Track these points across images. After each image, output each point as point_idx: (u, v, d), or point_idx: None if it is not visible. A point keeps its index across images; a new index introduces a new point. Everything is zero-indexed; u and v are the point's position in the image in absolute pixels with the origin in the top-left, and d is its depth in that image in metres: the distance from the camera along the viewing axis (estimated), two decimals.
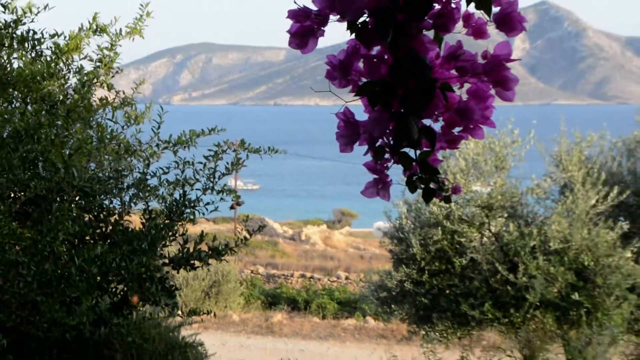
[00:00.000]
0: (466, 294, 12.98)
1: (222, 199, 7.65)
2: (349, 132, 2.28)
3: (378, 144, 2.24)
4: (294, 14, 2.25)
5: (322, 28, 2.25)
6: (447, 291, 13.14)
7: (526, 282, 12.43)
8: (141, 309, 8.03)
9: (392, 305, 14.05)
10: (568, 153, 13.78)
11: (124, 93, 8.09)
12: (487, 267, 12.84)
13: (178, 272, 7.95)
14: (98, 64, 7.82)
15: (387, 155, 2.25)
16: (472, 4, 2.16)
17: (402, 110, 2.18)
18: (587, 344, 12.11)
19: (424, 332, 13.77)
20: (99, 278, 7.05)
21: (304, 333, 27.51)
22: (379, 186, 2.34)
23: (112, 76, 7.98)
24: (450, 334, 13.56)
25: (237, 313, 28.58)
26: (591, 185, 13.10)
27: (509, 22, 2.23)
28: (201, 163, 7.61)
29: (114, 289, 7.48)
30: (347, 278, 34.44)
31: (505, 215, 13.09)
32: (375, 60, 2.24)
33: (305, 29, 2.25)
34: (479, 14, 2.24)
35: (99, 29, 7.75)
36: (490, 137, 13.50)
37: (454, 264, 12.96)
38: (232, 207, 8.06)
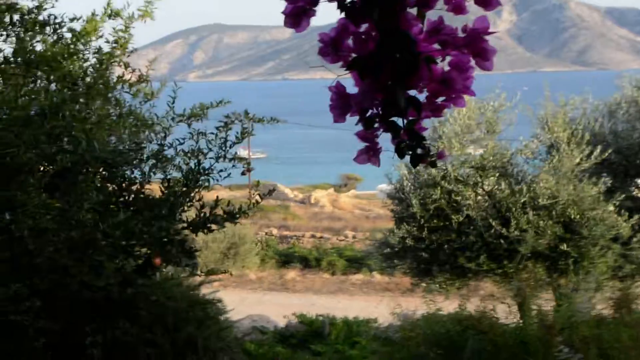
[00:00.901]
0: (463, 248, 12.99)
1: (234, 166, 7.72)
2: (341, 104, 2.26)
3: (368, 114, 2.23)
4: None
5: (314, 8, 2.22)
6: (446, 246, 13.14)
7: (518, 235, 12.43)
8: (164, 270, 8.08)
9: (395, 260, 14.07)
10: (553, 116, 13.76)
11: (139, 71, 8.13)
12: (482, 223, 12.83)
13: (197, 235, 8.01)
14: (114, 44, 7.85)
15: (376, 125, 2.23)
16: None
17: (389, 83, 2.17)
18: (574, 290, 12.10)
19: (425, 284, 13.79)
20: (123, 242, 7.09)
21: (315, 288, 27.62)
22: (370, 153, 2.32)
23: (128, 55, 8.05)
24: (449, 285, 13.59)
25: (253, 272, 28.67)
26: (575, 145, 13.07)
27: None
28: (213, 134, 7.63)
29: (137, 252, 7.52)
30: (354, 237, 34.48)
31: (497, 174, 13.08)
32: (363, 36, 2.22)
33: (298, 9, 2.22)
34: None
35: (113, 13, 7.87)
36: (481, 102, 13.48)
37: (451, 220, 12.95)
38: (243, 173, 8.06)
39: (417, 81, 2.20)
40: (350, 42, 2.24)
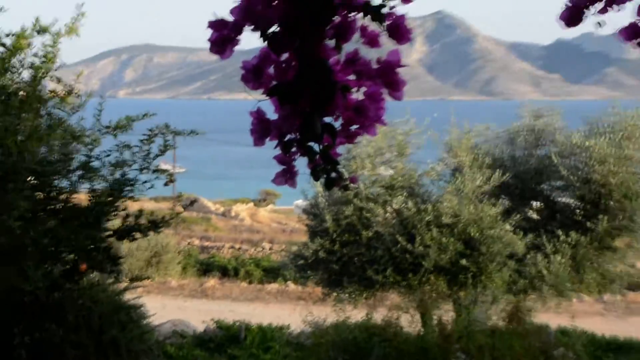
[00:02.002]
0: (371, 261, 13.05)
1: (157, 177, 7.72)
2: (261, 128, 2.27)
3: (286, 138, 2.24)
4: (214, 25, 2.24)
5: (238, 37, 2.23)
6: (355, 259, 13.19)
7: (422, 250, 12.52)
8: (90, 275, 8.01)
9: (309, 271, 14.09)
10: (458, 141, 13.92)
11: (69, 85, 8.06)
12: (389, 238, 12.91)
13: (122, 243, 7.97)
14: (43, 59, 7.79)
15: (294, 149, 2.24)
16: (368, 17, 2.19)
17: (307, 110, 2.18)
18: (472, 302, 12.23)
19: (335, 294, 13.82)
20: (51, 249, 7.04)
21: (233, 296, 27.55)
22: (287, 175, 2.33)
23: (56, 70, 7.93)
24: (357, 295, 13.62)
25: (175, 279, 28.53)
26: (477, 169, 13.22)
27: (399, 33, 2.25)
28: (137, 146, 7.63)
29: (65, 258, 7.45)
30: (270, 249, 34.51)
31: (405, 194, 13.18)
32: (284, 65, 2.23)
33: (223, 37, 2.24)
34: (374, 25, 2.25)
35: (41, 29, 7.78)
36: (392, 127, 13.60)
37: (361, 235, 13.01)
38: (166, 184, 8.07)
39: (333, 109, 2.22)
40: (271, 70, 2.25)
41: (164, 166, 8.16)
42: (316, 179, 2.25)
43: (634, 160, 13.61)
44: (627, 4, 2.43)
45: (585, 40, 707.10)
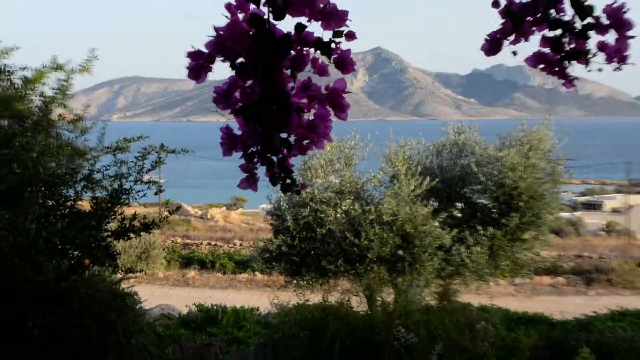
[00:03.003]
0: (325, 254, 13.05)
1: (149, 187, 7.82)
2: (229, 142, 2.29)
3: (250, 151, 2.26)
4: (191, 55, 2.26)
5: (211, 65, 2.27)
6: (312, 252, 13.18)
7: (367, 244, 12.54)
8: (92, 268, 8.01)
9: (273, 263, 14.03)
10: (395, 154, 13.99)
11: (75, 113, 8.23)
12: (340, 235, 12.92)
13: (118, 242, 7.99)
14: (57, 90, 7.96)
15: (256, 159, 2.27)
16: (319, 51, 2.21)
17: (267, 127, 2.21)
18: (409, 286, 12.27)
19: (296, 282, 13.80)
20: (60, 247, 7.08)
21: (210, 284, 27.50)
22: (250, 181, 2.35)
23: (69, 99, 8.13)
24: (314, 282, 13.63)
25: (161, 271, 28.42)
26: (411, 176, 13.29)
27: (344, 64, 2.29)
28: (132, 162, 7.74)
29: (71, 254, 7.48)
30: (241, 245, 34.36)
31: (352, 197, 13.21)
32: (248, 90, 2.25)
33: (198, 66, 2.26)
34: (323, 58, 2.27)
35: (57, 67, 7.97)
36: (340, 142, 13.65)
37: (316, 232, 13.01)
38: (156, 193, 8.21)
39: (289, 127, 2.24)
40: (238, 94, 2.27)
41: (150, 177, 8.24)
42: (274, 184, 2.25)
43: (538, 167, 13.78)
44: (531, 37, 2.46)
45: (496, 71, 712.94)
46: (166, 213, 8.05)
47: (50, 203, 7.56)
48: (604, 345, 7.50)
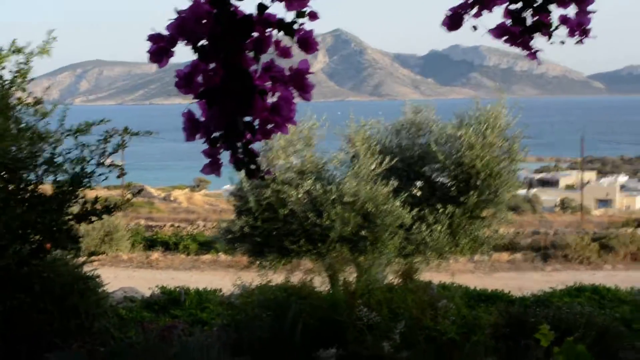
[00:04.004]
0: (287, 234, 13.03)
1: (110, 171, 7.80)
2: (191, 126, 2.26)
3: (213, 135, 2.23)
4: (152, 38, 2.23)
5: (172, 49, 2.23)
6: (274, 232, 13.14)
7: (329, 224, 12.53)
8: (54, 252, 7.94)
9: (236, 244, 13.96)
10: (356, 133, 13.96)
11: (35, 97, 8.16)
12: (302, 215, 12.89)
13: (80, 225, 7.91)
14: (16, 74, 7.88)
15: (219, 144, 2.24)
16: (281, 32, 2.21)
17: (231, 111, 2.17)
18: (371, 265, 12.30)
19: (259, 262, 13.77)
20: (20, 231, 7.02)
21: (174, 266, 27.42)
22: (213, 166, 2.32)
23: (28, 83, 8.05)
24: (277, 262, 13.59)
25: (125, 254, 28.19)
26: (371, 156, 13.29)
27: (307, 45, 2.30)
28: (95, 145, 7.68)
29: (32, 239, 7.41)
30: (204, 226, 34.21)
31: (314, 178, 13.17)
32: (211, 73, 2.21)
33: (160, 49, 2.23)
34: (286, 39, 2.26)
35: (16, 50, 7.90)
36: (300, 125, 13.58)
37: (278, 213, 12.97)
38: (119, 177, 8.17)
39: (253, 110, 2.20)
40: (200, 77, 2.22)
41: (112, 161, 8.18)
42: (238, 169, 2.26)
43: (495, 146, 13.86)
44: (495, 8, 2.45)
45: (453, 51, 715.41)
46: (128, 196, 8.00)
47: (11, 187, 7.46)
48: (563, 321, 7.58)
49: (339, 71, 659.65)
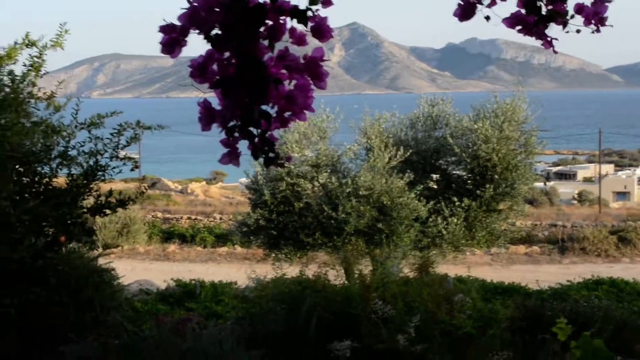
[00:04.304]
0: (303, 227, 13.07)
1: (124, 164, 7.75)
2: (207, 116, 2.23)
3: (229, 125, 2.20)
4: (164, 29, 2.20)
5: (185, 39, 2.19)
6: (290, 225, 13.19)
7: (344, 217, 12.55)
8: (69, 245, 7.94)
9: (251, 237, 14.03)
10: (371, 126, 13.97)
11: (49, 90, 8.14)
12: (317, 208, 12.93)
13: (94, 218, 7.90)
14: (29, 67, 7.84)
15: (236, 133, 2.20)
16: (295, 20, 2.16)
17: (246, 99, 2.15)
18: (386, 258, 12.26)
19: (274, 255, 13.79)
20: (33, 224, 7.00)
21: (191, 258, 27.45)
22: (231, 156, 2.28)
23: (41, 77, 8.01)
24: (292, 255, 13.63)
25: (142, 246, 28.28)
26: (386, 148, 13.28)
27: (321, 32, 2.25)
28: (108, 139, 7.65)
29: (47, 232, 7.39)
30: (220, 218, 34.15)
31: (329, 171, 13.18)
32: (225, 62, 2.18)
33: (172, 40, 2.20)
34: (300, 27, 2.20)
35: (30, 43, 7.79)
36: (314, 117, 13.56)
37: (294, 206, 13.00)
38: (132, 169, 8.18)
39: (268, 98, 2.18)
40: (215, 67, 2.19)
41: (126, 153, 8.18)
42: (256, 158, 2.22)
43: (512, 139, 13.83)
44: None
45: (470, 44, 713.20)
46: (142, 189, 8.00)
47: (25, 180, 7.46)
48: (580, 315, 7.52)
49: (356, 64, 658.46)
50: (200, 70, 2.24)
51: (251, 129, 2.18)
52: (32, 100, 7.89)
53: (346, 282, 9.52)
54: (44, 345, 7.52)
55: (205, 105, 2.25)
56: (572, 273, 19.45)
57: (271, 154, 2.22)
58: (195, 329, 7.01)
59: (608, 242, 26.85)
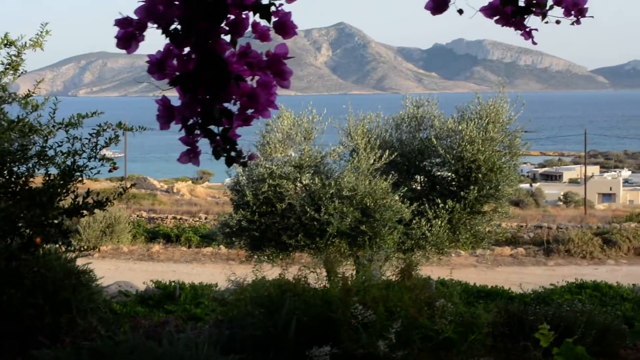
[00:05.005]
0: (285, 228, 12.98)
1: (102, 165, 7.66)
2: (166, 114, 2.16)
3: (189, 123, 2.13)
4: (119, 22, 2.11)
5: (142, 33, 2.12)
6: (272, 227, 13.08)
7: (327, 218, 12.46)
8: (45, 246, 7.83)
9: (233, 238, 13.90)
10: (355, 127, 13.91)
11: (28, 90, 8.12)
12: (300, 209, 12.83)
13: (71, 220, 7.79)
14: (7, 66, 7.77)
15: (197, 131, 2.13)
16: (258, 15, 2.09)
17: (206, 97, 2.08)
18: (369, 260, 12.20)
19: (256, 256, 13.70)
20: (6, 226, 6.89)
21: (175, 258, 27.40)
22: (191, 155, 2.23)
23: (18, 76, 7.96)
24: (275, 257, 13.55)
25: (126, 246, 28.19)
26: (370, 150, 13.21)
27: (284, 28, 2.17)
28: (87, 139, 7.57)
29: (22, 233, 7.28)
30: (206, 218, 34.06)
31: (312, 172, 13.10)
32: (184, 58, 2.10)
33: (128, 34, 2.11)
34: (265, 22, 2.13)
35: (8, 42, 7.72)
36: (298, 117, 13.48)
37: (276, 207, 12.89)
38: (110, 171, 8.08)
39: (229, 96, 2.11)
40: (175, 62, 2.13)
41: (106, 153, 8.09)
42: (217, 157, 2.16)
43: (496, 141, 13.80)
44: None
45: (456, 45, 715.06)
46: (120, 189, 7.92)
47: (1, 180, 7.35)
48: (563, 319, 7.45)
49: (343, 64, 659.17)
50: (158, 66, 2.16)
51: (212, 127, 2.11)
52: (10, 99, 7.83)
53: (327, 285, 9.42)
54: (17, 348, 7.40)
55: (163, 103, 2.17)
56: (557, 275, 19.44)
57: (233, 153, 2.15)
58: (172, 333, 6.88)
59: (593, 244, 26.88)
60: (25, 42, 7.84)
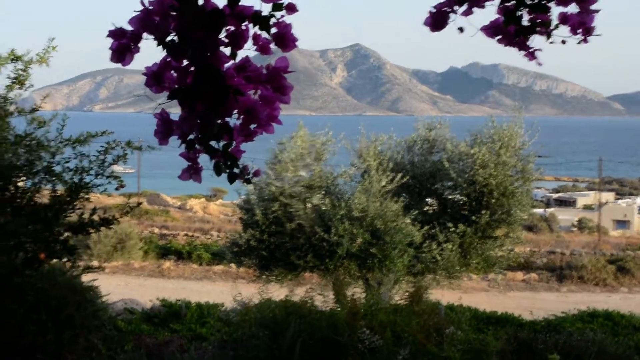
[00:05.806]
0: (294, 249, 12.93)
1: (109, 182, 7.63)
2: (164, 129, 2.09)
3: (189, 138, 2.05)
4: (113, 34, 2.04)
5: (137, 45, 2.05)
6: (281, 246, 13.03)
7: (337, 239, 12.41)
8: (50, 262, 7.80)
9: (242, 257, 13.83)
10: (367, 148, 13.86)
11: (35, 104, 8.13)
12: (309, 230, 12.78)
13: (77, 237, 7.74)
14: (14, 81, 7.78)
15: (197, 147, 2.06)
16: (258, 27, 2.02)
17: (204, 111, 2.00)
18: (379, 283, 12.14)
19: (265, 276, 13.63)
20: (10, 241, 6.85)
21: (186, 275, 27.34)
22: (191, 171, 2.17)
23: (25, 90, 7.97)
24: (283, 277, 13.47)
25: (137, 262, 28.15)
26: (382, 171, 13.16)
27: (284, 40, 2.10)
28: (94, 156, 7.55)
29: (27, 248, 7.23)
30: (218, 236, 34.01)
31: (323, 192, 13.06)
32: (182, 70, 2.02)
33: (122, 46, 2.04)
34: (266, 34, 2.05)
35: (15, 57, 7.76)
36: (312, 137, 13.44)
37: (286, 227, 12.84)
38: (117, 189, 8.08)
39: (228, 110, 2.02)
40: (173, 74, 2.05)
41: (116, 169, 8.11)
42: (218, 174, 2.09)
43: (509, 165, 13.70)
44: (488, 5, 2.22)
45: (472, 68, 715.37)
46: (127, 208, 7.91)
47: (6, 195, 7.31)
48: (573, 348, 7.30)
49: (357, 85, 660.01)
50: (155, 78, 2.08)
51: (213, 142, 2.03)
52: (17, 114, 7.84)
53: (336, 307, 9.33)
54: None
55: (162, 117, 2.10)
56: (569, 302, 19.23)
57: (235, 170, 2.08)
58: (174, 353, 6.79)
59: (606, 272, 26.60)
60: (32, 58, 7.87)
